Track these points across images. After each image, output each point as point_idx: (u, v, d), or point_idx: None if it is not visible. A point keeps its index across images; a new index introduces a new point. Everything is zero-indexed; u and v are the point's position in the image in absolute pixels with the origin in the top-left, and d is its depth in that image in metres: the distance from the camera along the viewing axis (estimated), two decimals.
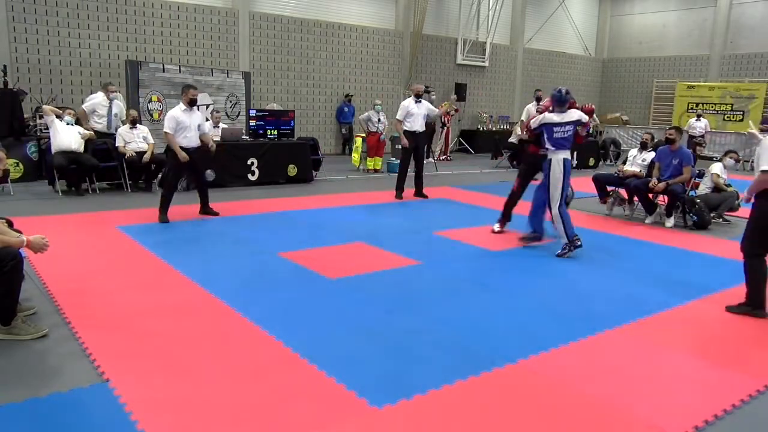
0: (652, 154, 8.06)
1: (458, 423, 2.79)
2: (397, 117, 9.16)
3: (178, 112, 6.95)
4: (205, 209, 7.40)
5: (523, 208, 6.75)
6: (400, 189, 9.20)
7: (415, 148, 9.11)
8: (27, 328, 3.58)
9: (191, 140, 7.00)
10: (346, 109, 15.78)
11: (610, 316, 4.25)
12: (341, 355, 3.48)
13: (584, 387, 3.18)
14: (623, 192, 8.40)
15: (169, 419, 2.73)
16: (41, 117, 9.41)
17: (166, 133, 6.97)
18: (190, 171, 7.34)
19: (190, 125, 6.95)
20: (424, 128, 9.25)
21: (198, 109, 7.36)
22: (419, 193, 9.34)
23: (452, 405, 2.94)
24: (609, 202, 8.40)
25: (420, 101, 9.14)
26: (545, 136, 6.00)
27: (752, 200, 4.33)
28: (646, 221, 7.84)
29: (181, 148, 6.91)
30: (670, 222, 7.68)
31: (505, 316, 4.23)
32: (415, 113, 9.05)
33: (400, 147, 9.72)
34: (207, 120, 9.08)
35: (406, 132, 9.01)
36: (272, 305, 4.28)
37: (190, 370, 3.22)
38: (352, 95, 15.92)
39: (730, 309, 4.47)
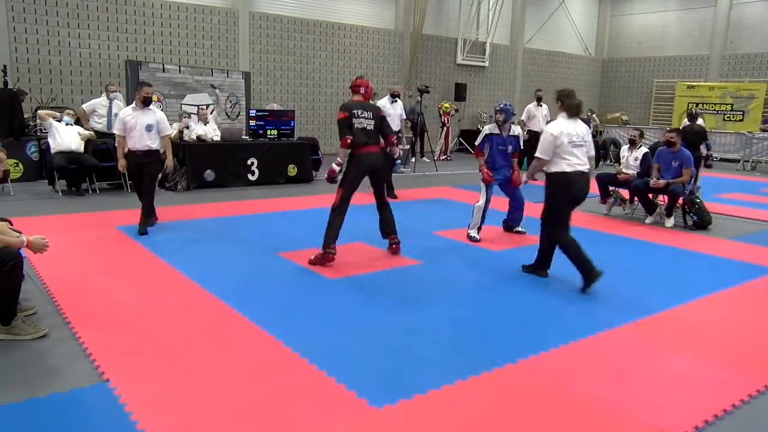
0: (643, 150, 8.09)
1: (458, 423, 2.79)
2: None
3: (126, 111, 6.47)
4: (143, 221, 6.39)
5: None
6: (390, 188, 9.18)
7: None
8: (27, 328, 3.58)
9: (136, 142, 6.34)
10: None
11: (610, 316, 4.25)
12: (341, 355, 3.48)
13: (584, 387, 3.18)
14: (624, 192, 8.40)
15: (169, 419, 2.73)
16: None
17: (116, 135, 6.59)
18: (137, 176, 6.59)
19: (135, 125, 6.32)
20: (399, 128, 9.32)
21: (152, 108, 6.57)
22: (389, 194, 9.02)
23: (452, 405, 2.94)
24: (609, 203, 8.40)
25: (396, 101, 9.23)
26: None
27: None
28: (646, 221, 7.83)
29: (129, 151, 6.42)
30: (670, 222, 7.67)
31: (505, 316, 4.23)
32: (391, 114, 9.12)
33: None
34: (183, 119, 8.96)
35: None
36: (272, 305, 4.28)
37: (190, 370, 3.22)
38: (410, 93, 15.59)
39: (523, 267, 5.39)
